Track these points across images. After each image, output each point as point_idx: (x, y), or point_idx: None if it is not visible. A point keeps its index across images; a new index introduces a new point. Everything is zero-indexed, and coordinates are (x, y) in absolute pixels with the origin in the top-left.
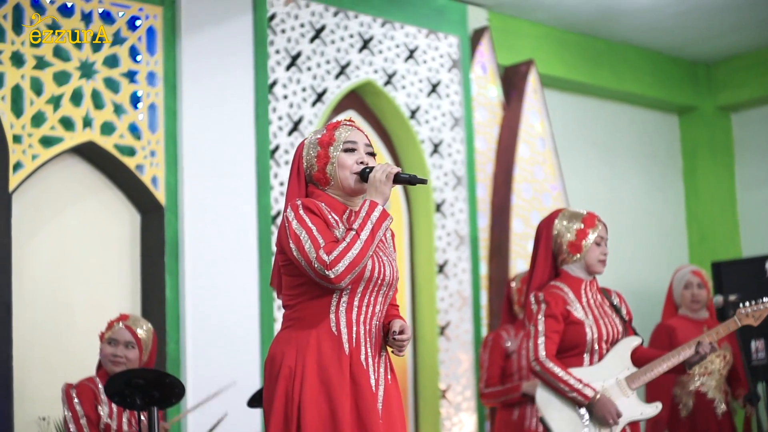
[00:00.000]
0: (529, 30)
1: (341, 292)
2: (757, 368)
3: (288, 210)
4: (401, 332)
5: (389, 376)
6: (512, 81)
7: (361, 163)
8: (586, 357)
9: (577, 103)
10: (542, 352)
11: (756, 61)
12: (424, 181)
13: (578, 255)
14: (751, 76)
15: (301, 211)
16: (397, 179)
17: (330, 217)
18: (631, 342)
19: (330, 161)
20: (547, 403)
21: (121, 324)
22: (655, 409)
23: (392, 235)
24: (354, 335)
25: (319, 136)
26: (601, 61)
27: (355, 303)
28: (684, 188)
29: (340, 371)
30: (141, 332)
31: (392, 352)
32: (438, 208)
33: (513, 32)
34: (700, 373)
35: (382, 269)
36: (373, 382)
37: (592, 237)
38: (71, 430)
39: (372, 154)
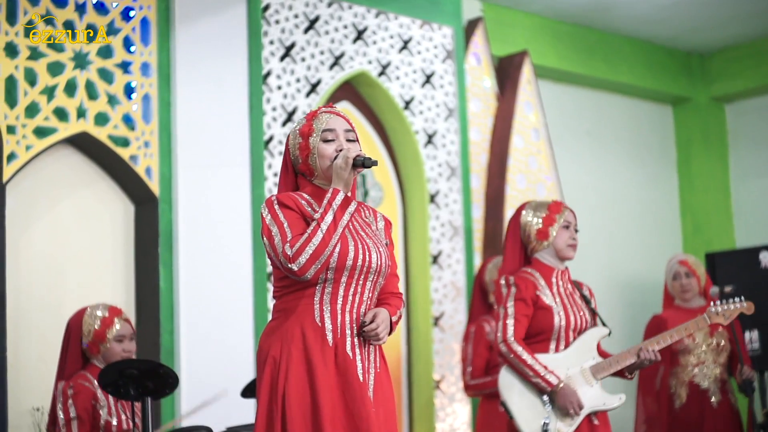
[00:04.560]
0: (523, 21)
1: (324, 283)
2: (751, 359)
3: (263, 208)
4: (371, 321)
5: (379, 365)
6: (506, 72)
7: (340, 150)
8: (552, 344)
9: (571, 93)
10: (510, 334)
11: (750, 51)
12: (375, 163)
13: (547, 241)
14: (746, 67)
15: (276, 207)
16: (355, 163)
17: (310, 209)
18: (599, 332)
19: (311, 152)
20: (510, 386)
21: (119, 319)
22: (618, 400)
23: (388, 225)
24: (339, 325)
25: (300, 126)
26: (595, 51)
27: (340, 292)
28: (678, 179)
29: (323, 362)
30: None
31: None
32: (432, 199)
33: (507, 23)
34: (693, 364)
35: (367, 256)
36: (360, 371)
37: (559, 221)
38: (60, 429)
39: (353, 140)
